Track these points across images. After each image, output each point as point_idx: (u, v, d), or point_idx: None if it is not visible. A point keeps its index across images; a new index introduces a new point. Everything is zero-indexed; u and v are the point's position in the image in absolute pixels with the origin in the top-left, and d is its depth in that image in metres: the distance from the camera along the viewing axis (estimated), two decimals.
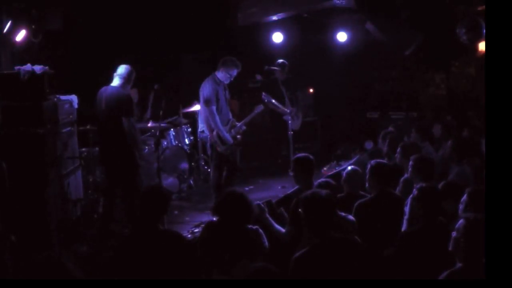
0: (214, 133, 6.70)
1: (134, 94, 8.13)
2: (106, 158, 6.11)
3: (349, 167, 5.51)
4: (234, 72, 6.78)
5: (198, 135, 7.27)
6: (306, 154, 5.08)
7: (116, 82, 6.00)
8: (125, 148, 5.84)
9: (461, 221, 3.29)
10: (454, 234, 3.30)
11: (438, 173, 5.58)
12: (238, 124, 7.03)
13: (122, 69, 6.02)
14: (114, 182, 6.07)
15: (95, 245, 5.71)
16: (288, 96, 8.79)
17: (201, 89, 6.77)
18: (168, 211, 4.28)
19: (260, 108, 7.34)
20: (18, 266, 4.44)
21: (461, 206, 3.98)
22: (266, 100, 7.85)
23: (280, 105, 8.14)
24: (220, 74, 6.77)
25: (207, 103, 6.65)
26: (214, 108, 6.66)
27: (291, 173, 5.06)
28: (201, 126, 6.91)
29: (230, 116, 7.01)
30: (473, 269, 3.17)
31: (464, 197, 4.00)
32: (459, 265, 3.24)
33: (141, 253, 3.81)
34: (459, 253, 3.25)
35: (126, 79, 5.99)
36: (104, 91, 5.99)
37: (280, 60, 8.89)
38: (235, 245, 3.83)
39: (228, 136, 6.78)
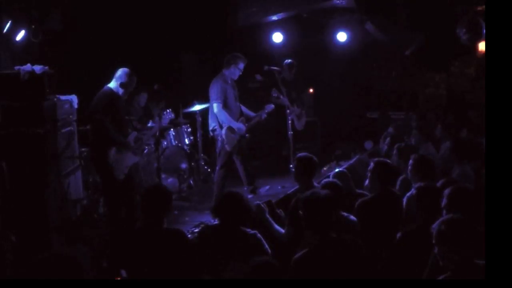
0: (223, 131, 6.84)
1: (143, 98, 8.16)
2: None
3: (336, 169, 5.54)
4: (242, 65, 7.00)
5: (210, 133, 7.33)
6: (310, 155, 5.08)
7: (111, 83, 5.97)
8: (96, 146, 5.88)
9: (433, 233, 3.19)
10: (434, 248, 3.21)
11: (439, 173, 5.58)
12: (250, 121, 7.19)
13: (118, 71, 5.97)
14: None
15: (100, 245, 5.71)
16: (293, 96, 8.80)
17: (210, 87, 6.96)
18: (170, 209, 4.28)
19: (270, 107, 7.42)
20: (18, 266, 4.44)
21: (443, 211, 3.91)
22: (275, 95, 7.90)
23: (289, 103, 8.18)
24: (228, 71, 6.97)
25: (215, 100, 6.85)
26: (220, 105, 6.84)
27: (292, 168, 5.08)
28: (213, 125, 7.05)
29: (240, 114, 7.17)
30: (462, 274, 3.09)
31: (444, 200, 3.88)
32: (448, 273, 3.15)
33: (145, 251, 3.82)
34: (445, 261, 3.16)
35: (119, 80, 5.91)
36: None
37: (288, 60, 8.90)
38: (233, 247, 3.83)
39: (240, 125, 6.96)
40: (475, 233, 3.14)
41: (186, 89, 9.30)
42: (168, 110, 7.12)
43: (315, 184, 4.98)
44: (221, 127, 6.90)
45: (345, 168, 6.17)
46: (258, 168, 9.24)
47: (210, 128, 7.12)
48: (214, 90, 6.89)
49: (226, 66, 6.97)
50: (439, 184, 4.51)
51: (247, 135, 7.16)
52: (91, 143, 6.03)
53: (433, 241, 3.20)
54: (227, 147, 6.90)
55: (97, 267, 5.00)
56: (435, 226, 3.22)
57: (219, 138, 6.96)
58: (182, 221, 6.67)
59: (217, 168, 7.13)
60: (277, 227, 4.70)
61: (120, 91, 5.91)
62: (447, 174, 5.65)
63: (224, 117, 6.86)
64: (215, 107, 6.86)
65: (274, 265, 3.08)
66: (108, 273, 4.06)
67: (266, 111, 7.38)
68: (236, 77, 7.06)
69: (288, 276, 3.44)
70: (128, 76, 5.93)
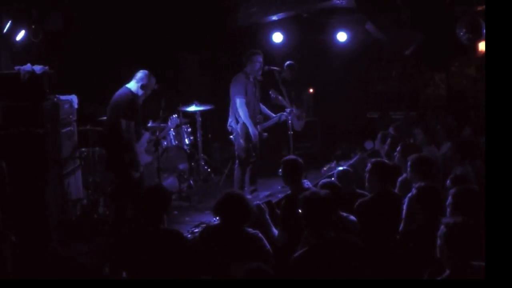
0: (238, 125, 7.01)
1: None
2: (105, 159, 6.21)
3: (340, 168, 5.54)
4: (258, 58, 7.12)
5: (228, 128, 7.40)
6: (295, 157, 5.09)
7: (130, 84, 6.00)
8: (115, 150, 5.87)
9: (441, 227, 3.20)
10: (438, 241, 3.21)
11: (440, 173, 5.57)
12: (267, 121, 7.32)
13: (139, 73, 6.04)
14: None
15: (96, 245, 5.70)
16: (292, 96, 8.82)
17: (231, 83, 7.10)
18: (169, 210, 4.28)
19: (297, 111, 7.48)
20: (18, 266, 4.44)
21: (448, 209, 3.94)
22: (273, 96, 7.95)
23: (287, 104, 8.23)
24: (249, 68, 7.09)
25: (237, 95, 6.99)
26: (244, 100, 6.97)
27: (280, 173, 5.11)
28: (230, 120, 7.20)
29: (258, 113, 7.29)
30: (460, 274, 3.09)
31: (449, 199, 3.95)
32: (447, 272, 3.16)
33: (143, 252, 3.82)
34: (445, 260, 3.17)
35: (141, 82, 5.98)
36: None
37: (289, 62, 8.93)
38: (234, 247, 3.83)
39: (253, 129, 7.04)
40: (478, 237, 3.13)
41: (185, 89, 9.29)
42: (175, 116, 7.22)
43: (306, 185, 4.95)
44: (237, 121, 7.05)
45: None
46: (258, 168, 9.24)
47: (228, 123, 7.27)
48: (235, 85, 7.04)
49: (245, 65, 7.12)
50: (447, 181, 4.52)
51: (264, 134, 7.33)
52: (108, 143, 5.99)
53: (440, 241, 3.20)
54: (241, 142, 7.04)
55: (97, 267, 5.01)
56: (442, 226, 3.21)
57: (234, 133, 7.12)
58: (182, 221, 6.66)
59: (235, 167, 7.26)
60: (274, 230, 4.68)
61: (140, 92, 5.99)
62: (448, 174, 5.65)
63: (244, 113, 6.98)
64: (238, 102, 6.98)
65: (266, 272, 3.06)
66: (108, 273, 4.06)
67: (286, 113, 7.41)
68: (257, 71, 7.16)
69: (286, 275, 3.44)
70: (149, 78, 6.03)
